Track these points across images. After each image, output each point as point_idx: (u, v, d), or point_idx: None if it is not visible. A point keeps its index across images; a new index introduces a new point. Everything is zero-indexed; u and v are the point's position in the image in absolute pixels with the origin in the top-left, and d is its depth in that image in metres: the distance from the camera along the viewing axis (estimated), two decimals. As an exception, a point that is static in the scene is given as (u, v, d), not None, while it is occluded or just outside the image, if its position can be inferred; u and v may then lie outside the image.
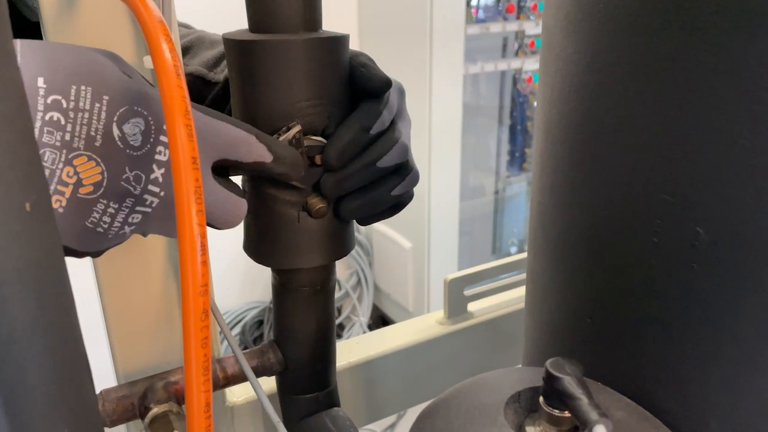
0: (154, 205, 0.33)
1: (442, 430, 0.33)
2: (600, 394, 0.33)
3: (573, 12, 0.35)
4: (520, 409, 0.33)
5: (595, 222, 0.36)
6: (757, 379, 0.31)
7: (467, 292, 0.72)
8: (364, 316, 2.16)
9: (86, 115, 0.29)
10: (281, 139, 0.39)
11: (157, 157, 0.32)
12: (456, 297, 0.71)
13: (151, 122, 0.32)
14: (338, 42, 0.41)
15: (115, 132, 0.30)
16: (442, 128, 1.83)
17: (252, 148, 0.36)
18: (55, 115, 0.29)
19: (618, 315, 0.36)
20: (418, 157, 1.84)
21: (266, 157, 0.37)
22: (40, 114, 0.29)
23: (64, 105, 0.29)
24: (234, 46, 0.40)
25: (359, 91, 0.42)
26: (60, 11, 0.40)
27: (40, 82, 0.29)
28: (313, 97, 0.40)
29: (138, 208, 0.33)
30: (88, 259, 0.49)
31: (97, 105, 0.30)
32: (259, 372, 0.48)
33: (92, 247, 0.33)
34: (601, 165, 0.35)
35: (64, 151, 0.29)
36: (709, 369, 0.32)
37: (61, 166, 0.29)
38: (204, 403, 0.27)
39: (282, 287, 0.47)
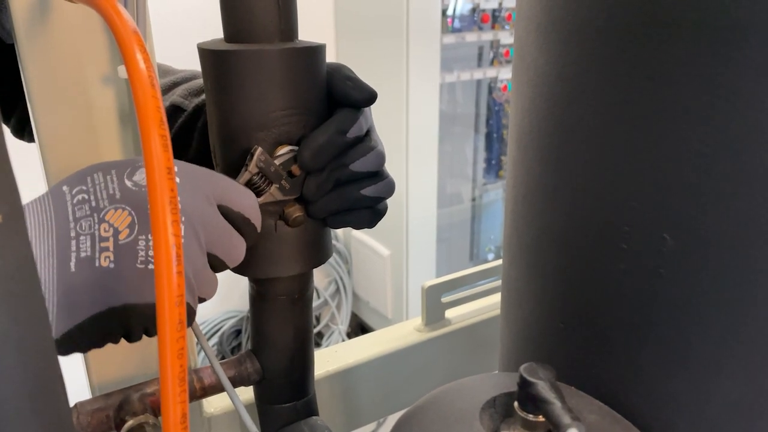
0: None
1: (418, 436, 0.33)
2: (573, 398, 0.34)
3: (544, 24, 0.36)
4: (496, 415, 0.34)
5: (566, 229, 0.37)
6: (722, 381, 0.32)
7: (445, 299, 0.72)
8: (342, 324, 2.16)
9: (102, 184, 0.35)
10: (250, 167, 0.40)
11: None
12: (433, 304, 0.71)
13: None
14: (314, 52, 0.41)
15: (128, 183, 0.35)
16: (419, 136, 1.85)
17: (243, 195, 0.39)
18: (80, 196, 0.34)
19: (589, 320, 0.36)
20: (396, 165, 1.85)
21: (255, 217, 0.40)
22: (69, 204, 0.34)
23: (84, 188, 0.34)
24: (209, 55, 0.40)
25: (340, 102, 0.43)
26: (33, 22, 0.39)
27: (65, 188, 0.35)
28: (289, 107, 0.40)
29: None
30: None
31: (108, 176, 0.35)
32: (237, 382, 0.48)
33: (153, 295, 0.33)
34: (571, 173, 0.36)
35: (95, 215, 0.33)
36: (676, 372, 0.33)
37: (96, 226, 0.33)
38: (180, 415, 0.27)
39: (259, 296, 0.47)
